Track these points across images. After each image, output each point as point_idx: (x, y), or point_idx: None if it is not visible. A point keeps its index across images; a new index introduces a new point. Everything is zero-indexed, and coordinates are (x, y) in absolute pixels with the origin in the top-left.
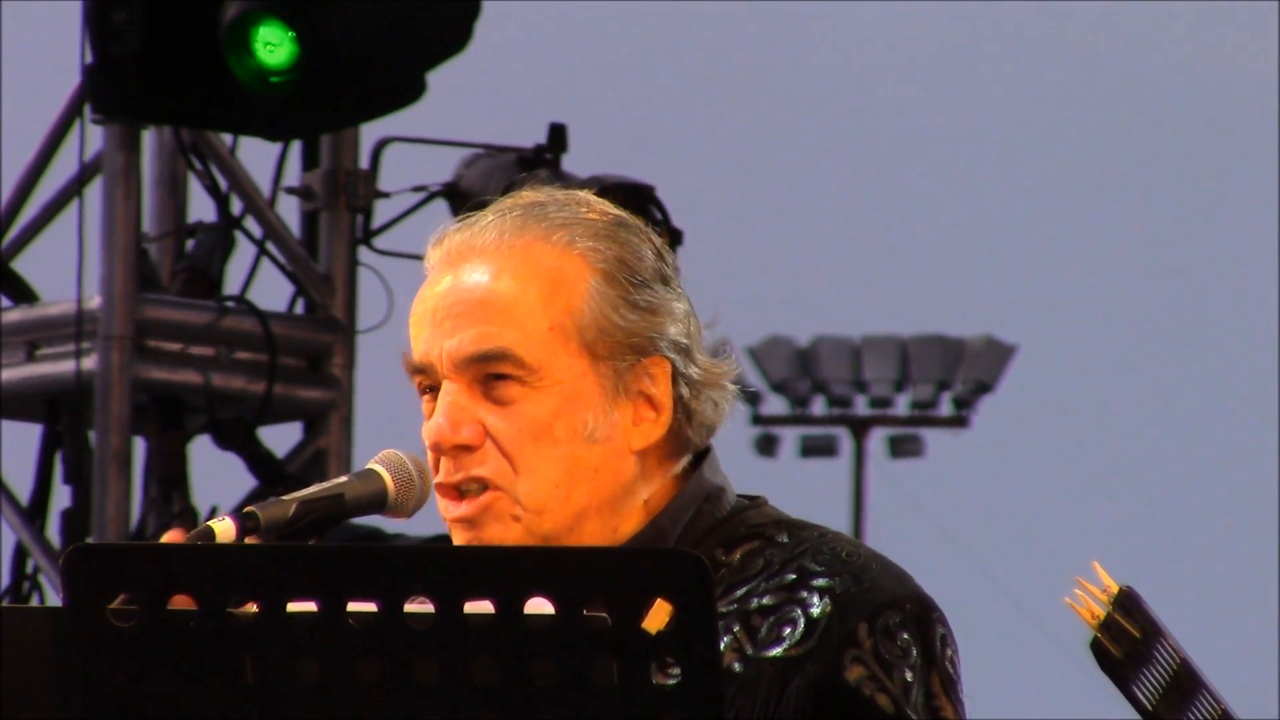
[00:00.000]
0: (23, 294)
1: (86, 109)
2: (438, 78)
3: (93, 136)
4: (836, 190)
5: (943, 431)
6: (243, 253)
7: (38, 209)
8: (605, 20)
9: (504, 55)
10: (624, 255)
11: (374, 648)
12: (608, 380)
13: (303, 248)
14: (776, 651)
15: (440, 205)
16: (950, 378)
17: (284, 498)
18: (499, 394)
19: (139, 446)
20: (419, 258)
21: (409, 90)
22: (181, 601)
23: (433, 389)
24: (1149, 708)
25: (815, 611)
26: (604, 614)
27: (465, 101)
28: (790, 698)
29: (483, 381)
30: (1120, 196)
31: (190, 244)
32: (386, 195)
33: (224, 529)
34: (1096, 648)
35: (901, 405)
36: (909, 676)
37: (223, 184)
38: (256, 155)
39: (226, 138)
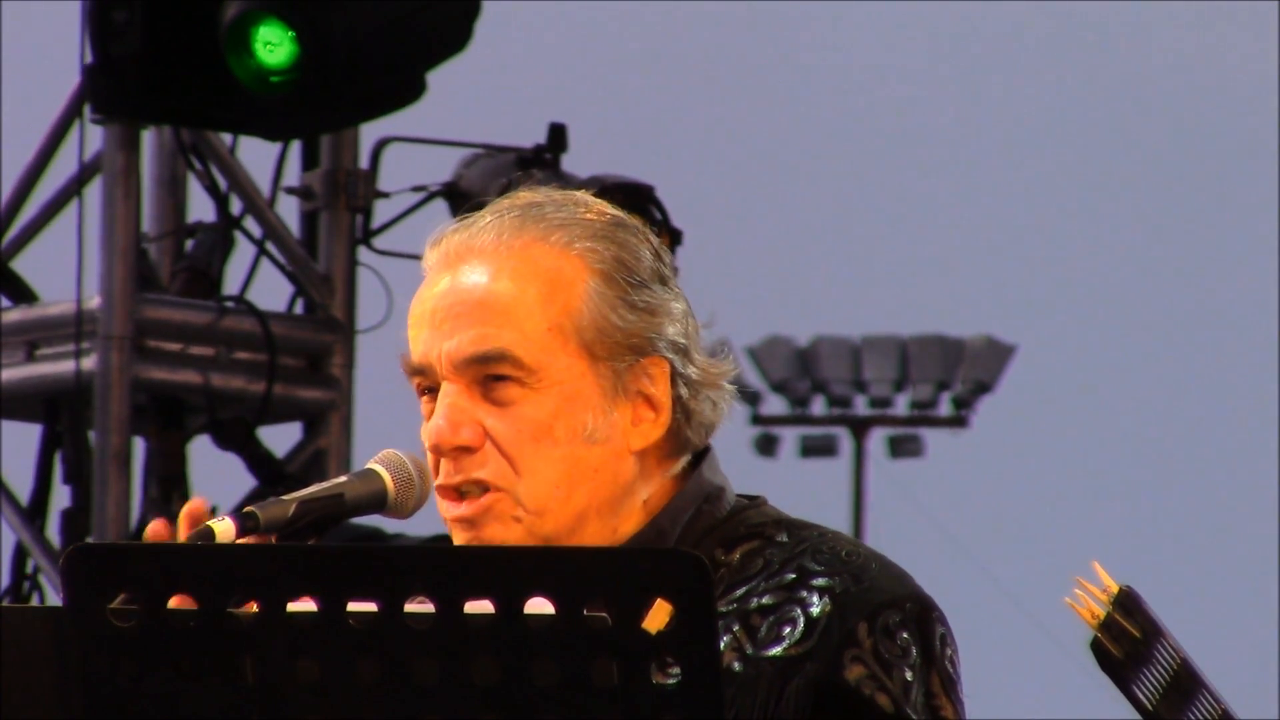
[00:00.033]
0: (22, 294)
1: (86, 109)
2: (438, 78)
3: (93, 136)
4: (836, 190)
5: (942, 431)
6: (242, 253)
7: (37, 209)
8: (605, 20)
9: (504, 55)
10: (622, 256)
11: (374, 648)
12: (607, 381)
13: (302, 248)
14: (776, 651)
15: (440, 205)
16: (950, 378)
17: (284, 498)
18: (498, 395)
19: (139, 446)
20: (419, 258)
21: (409, 90)
22: (181, 601)
23: (431, 390)
24: (1149, 708)
25: (815, 611)
26: (604, 614)
27: (465, 101)
28: (790, 697)
29: (482, 383)
30: (1120, 196)
31: (190, 244)
32: (386, 195)
33: (224, 529)
34: (1096, 648)
35: (901, 405)
36: (909, 676)
37: (222, 184)
38: (256, 155)
39: (226, 138)
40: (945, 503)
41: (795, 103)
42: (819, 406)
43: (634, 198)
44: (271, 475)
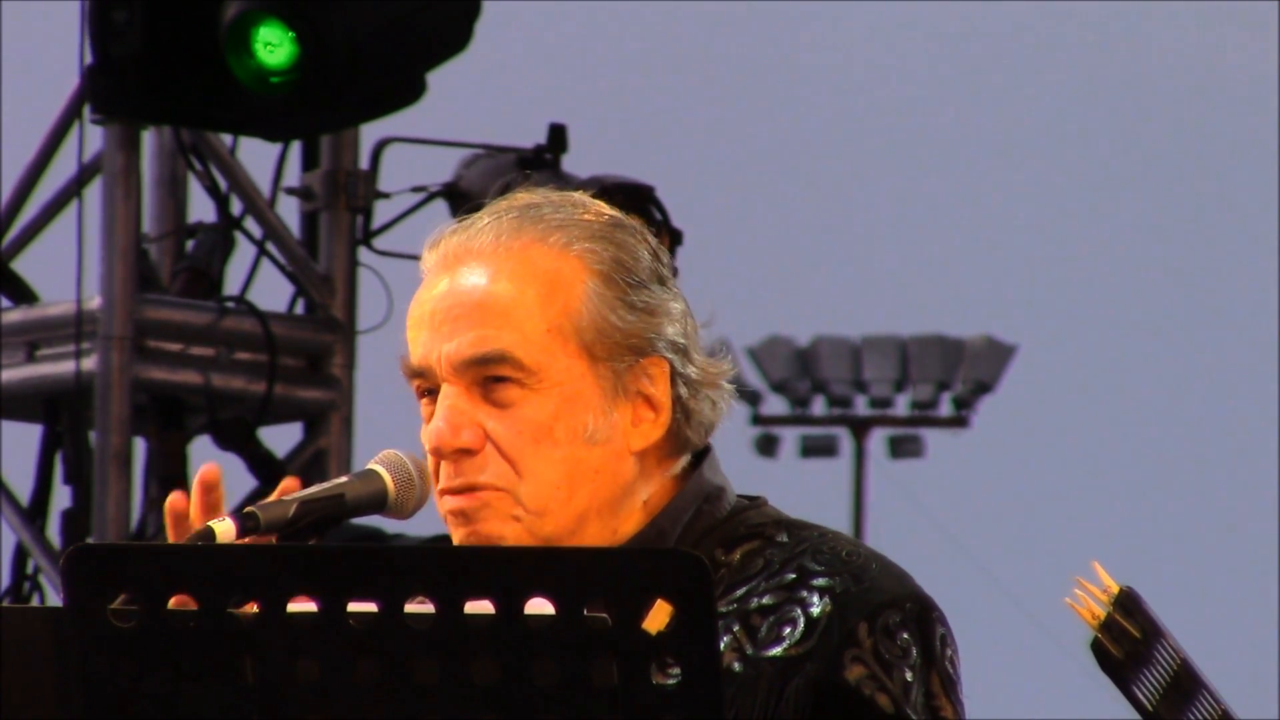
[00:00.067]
0: (23, 294)
1: (86, 109)
2: (438, 78)
3: (93, 136)
4: (836, 190)
5: (943, 431)
6: (243, 253)
7: (38, 209)
8: (605, 20)
9: (504, 55)
10: (621, 256)
11: (374, 648)
12: (606, 381)
13: (303, 248)
14: (776, 651)
15: (440, 205)
16: (950, 378)
17: (284, 498)
18: (498, 397)
19: (139, 446)
20: (419, 258)
21: (409, 90)
22: (181, 601)
23: (431, 392)
24: (1149, 708)
25: (815, 611)
26: (604, 614)
27: (465, 102)
28: (790, 697)
29: (482, 384)
30: (1120, 196)
31: (190, 244)
32: (386, 196)
33: (224, 529)
34: (1097, 648)
35: (901, 405)
36: (909, 676)
37: (223, 184)
38: (256, 155)
39: (226, 138)
40: (945, 503)
41: (795, 103)
42: (819, 406)
43: (634, 198)
44: (272, 475)
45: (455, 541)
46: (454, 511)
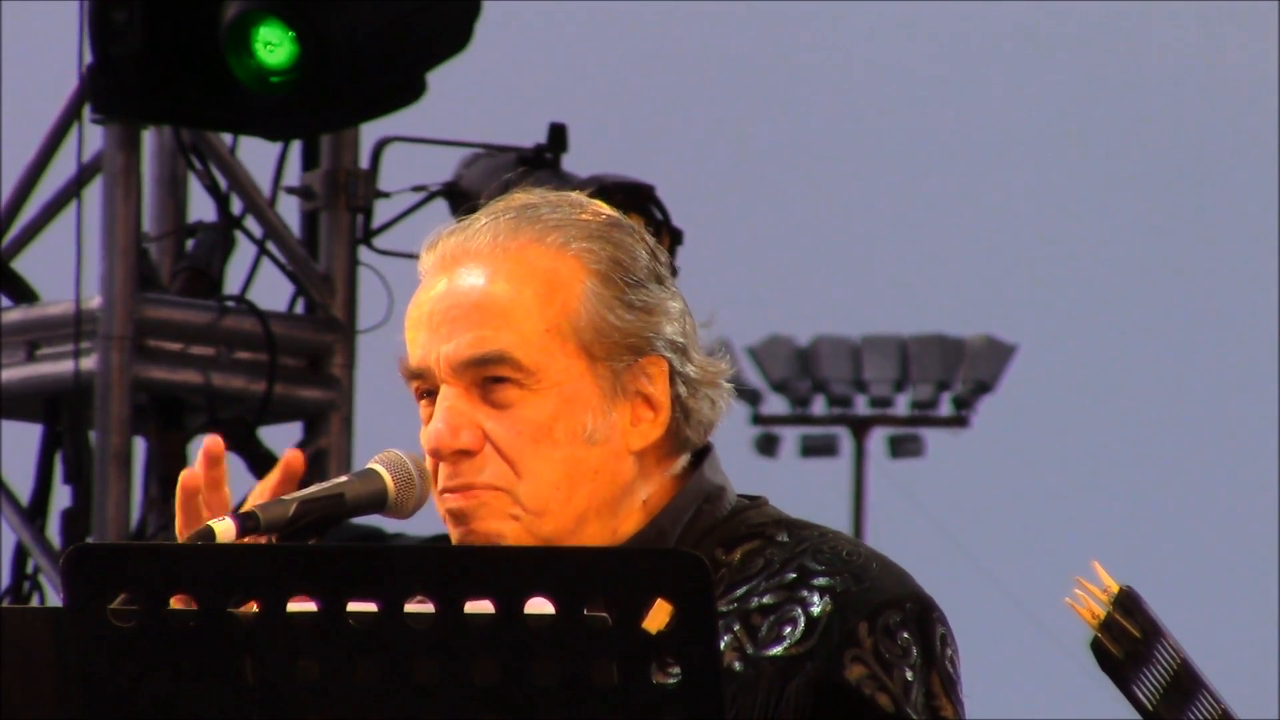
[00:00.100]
0: (23, 294)
1: (86, 109)
2: (438, 78)
3: (92, 136)
4: (837, 190)
5: (943, 431)
6: (243, 253)
7: (38, 209)
8: (605, 20)
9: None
10: (618, 255)
11: (374, 648)
12: (605, 381)
13: (303, 248)
14: (777, 650)
15: (440, 205)
16: (950, 378)
17: (284, 498)
18: (497, 397)
19: (139, 446)
20: (419, 258)
21: (409, 90)
22: (181, 601)
23: (430, 394)
24: (1149, 708)
25: (815, 610)
26: (604, 614)
27: (465, 101)
28: (790, 697)
29: (480, 385)
30: (1120, 196)
31: (190, 244)
32: (386, 195)
33: (224, 529)
34: (1097, 648)
35: (901, 405)
36: (909, 676)
37: (223, 184)
38: (256, 155)
39: (226, 138)
40: (945, 503)
41: (795, 102)
42: (819, 406)
43: (634, 198)
44: None
45: (453, 541)
46: (452, 511)
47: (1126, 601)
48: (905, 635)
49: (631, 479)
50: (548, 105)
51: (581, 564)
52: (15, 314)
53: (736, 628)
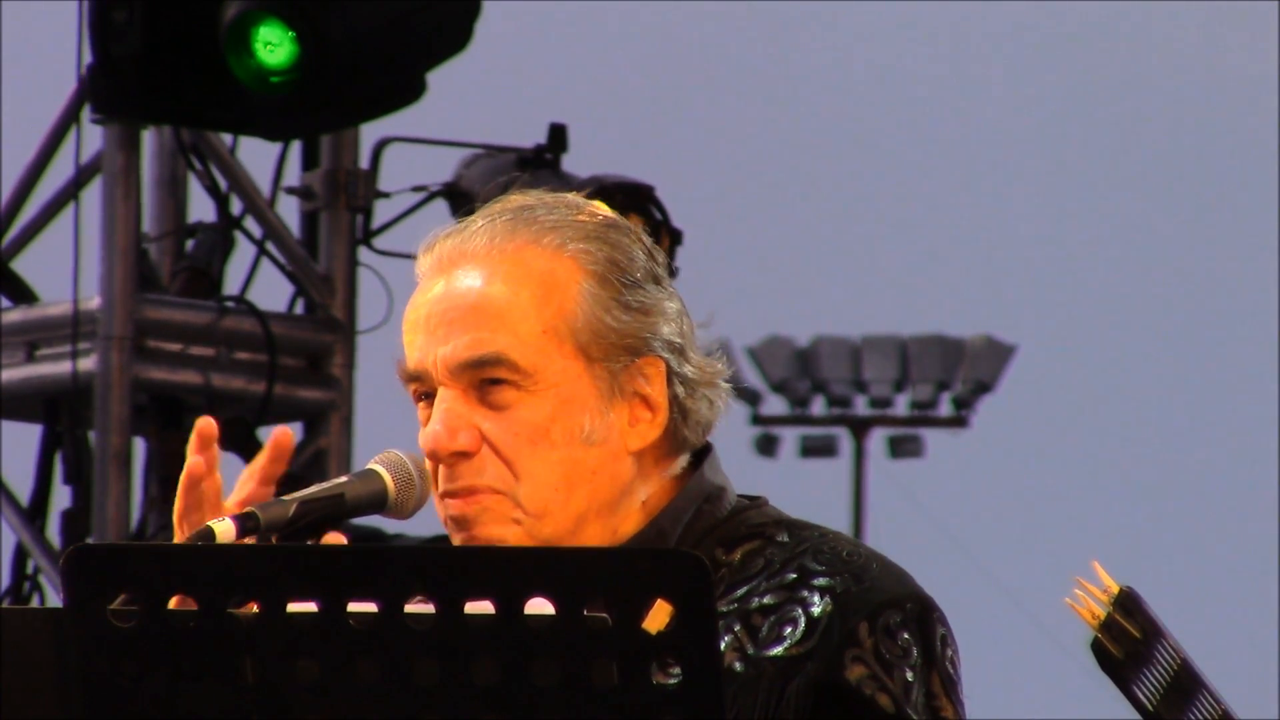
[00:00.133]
0: (22, 294)
1: (84, 110)
2: (438, 78)
3: (91, 137)
4: (837, 190)
5: (943, 431)
6: (243, 253)
7: (37, 209)
8: (605, 20)
9: (504, 55)
10: (615, 256)
11: (374, 648)
12: (603, 382)
13: (303, 248)
14: (777, 651)
15: (440, 205)
16: (950, 378)
17: (284, 498)
18: (494, 399)
19: (139, 446)
20: (416, 260)
21: (409, 90)
22: (181, 601)
23: (428, 396)
24: (1149, 708)
25: (816, 611)
26: (604, 614)
27: (465, 101)
28: (791, 697)
29: (478, 387)
30: (1120, 196)
31: (190, 244)
32: (386, 195)
33: (224, 529)
34: (1097, 648)
35: (901, 405)
36: (909, 676)
37: (223, 184)
38: (256, 155)
39: (226, 138)
40: (945, 503)
41: (795, 102)
42: (819, 406)
43: (634, 198)
44: None
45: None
46: (454, 517)
47: (1126, 602)
48: (906, 635)
49: (630, 479)
50: (548, 105)
51: (581, 564)
52: (15, 314)
53: (737, 628)
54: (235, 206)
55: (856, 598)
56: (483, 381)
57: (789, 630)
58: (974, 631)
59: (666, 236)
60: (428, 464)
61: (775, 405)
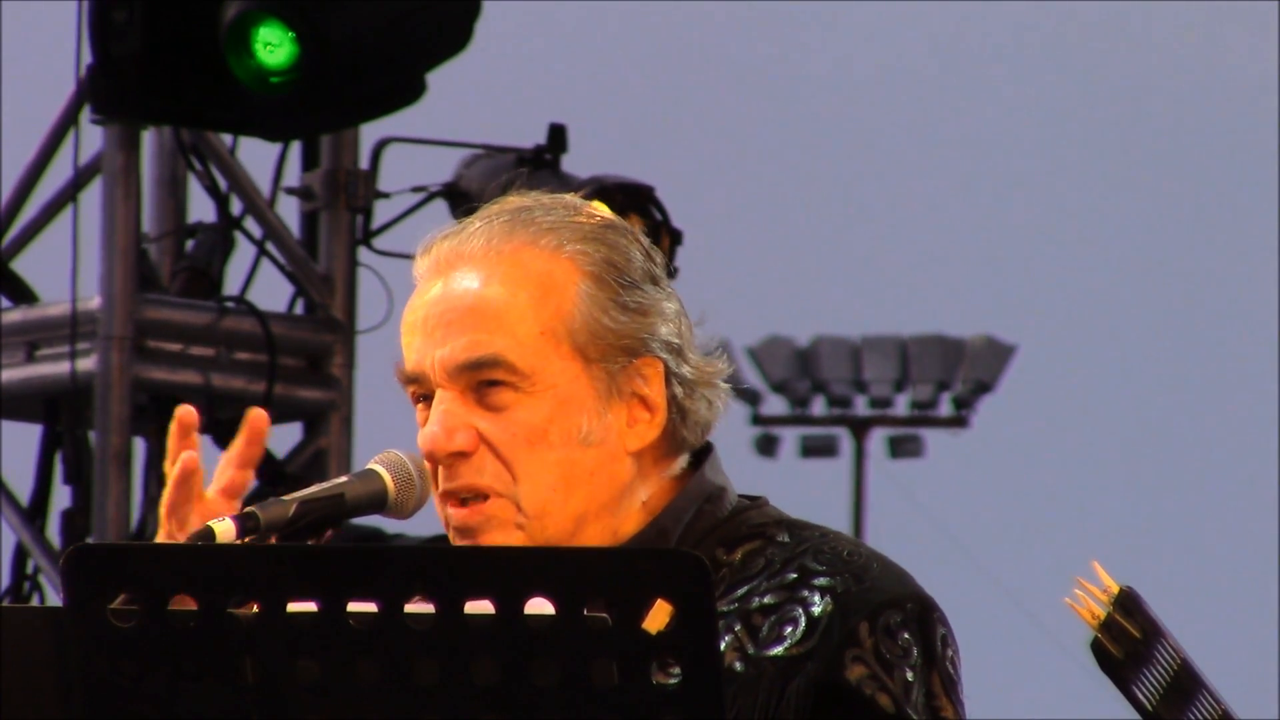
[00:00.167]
0: (22, 294)
1: (84, 110)
2: (438, 78)
3: (91, 137)
4: (836, 190)
5: (943, 431)
6: (243, 253)
7: (37, 209)
8: (605, 20)
9: (504, 55)
10: (612, 257)
11: (374, 648)
12: (601, 383)
13: (302, 248)
14: (777, 651)
15: (440, 206)
16: (950, 378)
17: (284, 498)
18: (492, 400)
19: (139, 446)
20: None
21: (409, 90)
22: (181, 601)
23: (427, 398)
24: (1149, 708)
25: (816, 610)
26: (604, 614)
27: (465, 101)
28: (791, 697)
29: (476, 389)
30: (1120, 196)
31: (190, 244)
32: (386, 195)
33: (224, 529)
34: (1097, 648)
35: (901, 405)
36: (910, 676)
37: (223, 184)
38: (256, 155)
39: (226, 138)
40: (945, 503)
41: (795, 103)
42: (819, 406)
43: (634, 198)
44: (271, 475)
45: None
46: (457, 528)
47: (1126, 602)
48: (906, 635)
49: (630, 480)
50: (548, 105)
51: (581, 564)
52: (15, 315)
53: (737, 628)
54: (235, 207)
55: (857, 598)
56: (480, 383)
57: (789, 630)
58: (974, 631)
59: (666, 237)
60: (427, 465)
61: (775, 405)
